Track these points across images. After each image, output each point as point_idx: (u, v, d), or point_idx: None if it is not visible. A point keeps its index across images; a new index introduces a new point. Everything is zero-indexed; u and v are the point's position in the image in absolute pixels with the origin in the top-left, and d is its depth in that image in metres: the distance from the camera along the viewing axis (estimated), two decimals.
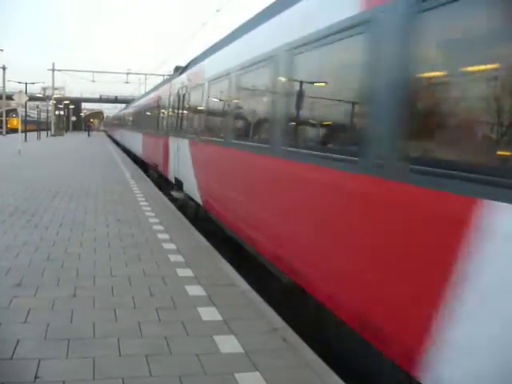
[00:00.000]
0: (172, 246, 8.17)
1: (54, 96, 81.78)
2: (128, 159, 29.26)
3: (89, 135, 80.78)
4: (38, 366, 4.05)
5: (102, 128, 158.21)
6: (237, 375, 4.04)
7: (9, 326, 4.82)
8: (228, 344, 4.61)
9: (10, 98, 50.93)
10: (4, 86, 65.82)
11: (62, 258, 7.24)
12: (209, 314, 5.34)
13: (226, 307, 5.55)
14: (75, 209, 11.53)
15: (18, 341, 4.47)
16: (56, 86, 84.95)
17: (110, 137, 72.24)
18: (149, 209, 11.80)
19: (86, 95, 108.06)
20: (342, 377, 4.20)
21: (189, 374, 4.03)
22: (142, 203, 12.58)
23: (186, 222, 10.64)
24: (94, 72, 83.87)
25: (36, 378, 3.88)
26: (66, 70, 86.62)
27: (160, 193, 15.22)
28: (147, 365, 4.15)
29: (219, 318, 5.24)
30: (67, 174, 19.29)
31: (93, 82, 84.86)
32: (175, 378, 3.94)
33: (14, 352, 4.27)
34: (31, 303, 5.44)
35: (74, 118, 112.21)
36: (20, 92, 33.62)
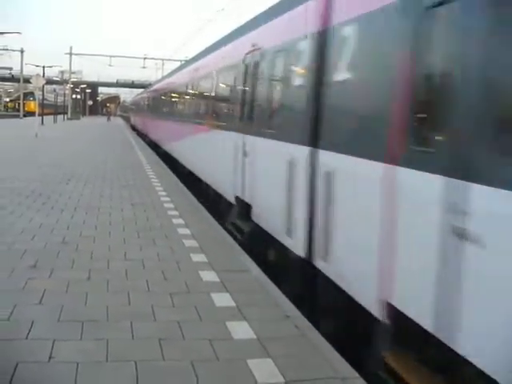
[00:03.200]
0: None
1: (71, 80, 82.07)
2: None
3: (109, 119, 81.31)
4: (53, 346, 4.09)
5: (118, 113, 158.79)
6: (249, 361, 4.05)
7: (24, 308, 4.86)
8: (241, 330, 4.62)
9: (27, 81, 51.25)
10: (22, 69, 66.23)
11: (76, 241, 7.29)
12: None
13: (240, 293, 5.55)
14: (91, 192, 11.60)
15: (32, 322, 4.51)
16: (73, 69, 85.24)
17: (135, 128, 49.66)
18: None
19: (102, 79, 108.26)
20: (351, 363, 4.19)
21: (201, 360, 4.04)
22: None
23: None
24: (111, 56, 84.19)
25: (50, 358, 3.92)
26: (83, 54, 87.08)
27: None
28: (160, 349, 4.17)
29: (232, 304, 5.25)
30: (83, 158, 19.38)
31: (110, 66, 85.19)
32: (187, 363, 3.96)
33: (28, 333, 4.31)
34: (46, 285, 5.49)
35: (90, 102, 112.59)
36: (37, 75, 33.86)
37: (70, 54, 78.81)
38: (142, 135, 38.27)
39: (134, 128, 51.67)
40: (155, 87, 32.26)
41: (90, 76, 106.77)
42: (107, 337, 4.32)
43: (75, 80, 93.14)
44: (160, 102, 25.93)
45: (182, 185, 13.78)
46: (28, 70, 66.94)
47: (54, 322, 4.59)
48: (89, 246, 7.11)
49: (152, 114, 29.74)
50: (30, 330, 4.35)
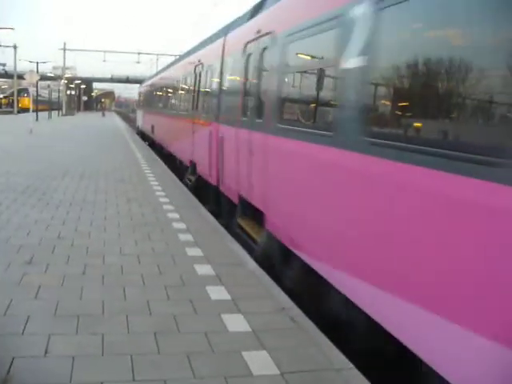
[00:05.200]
0: None
1: (66, 76, 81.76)
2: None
3: (103, 115, 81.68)
4: (48, 341, 4.10)
5: (113, 108, 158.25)
6: (244, 353, 4.07)
7: (20, 302, 4.87)
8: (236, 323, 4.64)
9: (21, 77, 51.04)
10: (15, 65, 65.94)
11: (71, 237, 7.30)
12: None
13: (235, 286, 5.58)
14: (86, 187, 11.59)
15: (28, 317, 4.52)
16: (67, 65, 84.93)
17: (143, 135, 32.48)
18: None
19: (97, 75, 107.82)
20: (346, 354, 4.22)
21: (196, 352, 4.06)
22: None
23: None
24: (105, 52, 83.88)
25: (46, 352, 3.94)
26: (77, 50, 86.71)
27: None
28: (155, 342, 4.19)
29: (228, 297, 5.27)
30: (78, 153, 19.34)
31: (104, 61, 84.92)
32: (183, 356, 3.98)
33: (24, 327, 4.33)
34: (41, 280, 5.50)
35: (85, 98, 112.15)
36: (31, 71, 33.69)
37: (64, 49, 78.54)
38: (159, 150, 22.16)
39: (143, 135, 32.26)
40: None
41: (85, 72, 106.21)
42: (103, 331, 4.34)
43: (69, 76, 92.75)
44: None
45: None
46: (22, 66, 66.65)
47: (50, 316, 4.60)
48: (84, 241, 7.13)
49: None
50: (25, 325, 4.37)
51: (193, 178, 13.11)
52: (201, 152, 11.70)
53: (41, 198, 10.08)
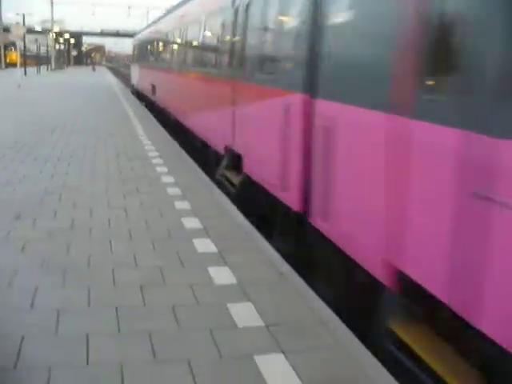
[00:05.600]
0: None
1: (54, 30, 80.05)
2: None
3: (93, 69, 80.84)
4: (35, 294, 4.11)
5: (103, 63, 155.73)
6: (229, 305, 4.10)
7: (6, 256, 4.87)
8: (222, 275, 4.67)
9: (7, 30, 49.87)
10: (0, 17, 64.33)
11: (59, 191, 7.26)
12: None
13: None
14: (75, 143, 11.48)
15: (15, 270, 4.52)
16: (55, 19, 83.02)
17: (139, 92, 27.82)
18: None
19: (86, 29, 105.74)
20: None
21: (182, 305, 4.09)
22: None
23: None
24: (94, 5, 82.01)
25: (32, 305, 3.95)
26: (64, 3, 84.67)
27: None
28: (141, 294, 4.21)
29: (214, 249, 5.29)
30: (68, 108, 19.10)
31: (93, 15, 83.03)
32: (168, 308, 4.01)
33: (10, 281, 4.33)
34: (29, 234, 5.49)
35: (74, 53, 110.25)
36: (17, 24, 32.93)
37: (52, 1, 76.56)
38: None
39: (139, 95, 26.88)
40: None
41: (74, 26, 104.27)
42: (89, 284, 4.35)
43: (58, 30, 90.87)
44: None
45: None
46: (7, 18, 65.11)
47: (37, 269, 4.61)
48: (72, 195, 7.10)
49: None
50: (12, 279, 4.37)
51: (236, 179, 7.80)
52: (257, 141, 6.83)
53: (29, 153, 9.99)
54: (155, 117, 17.55)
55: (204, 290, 4.37)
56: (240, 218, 6.44)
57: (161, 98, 18.02)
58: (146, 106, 22.44)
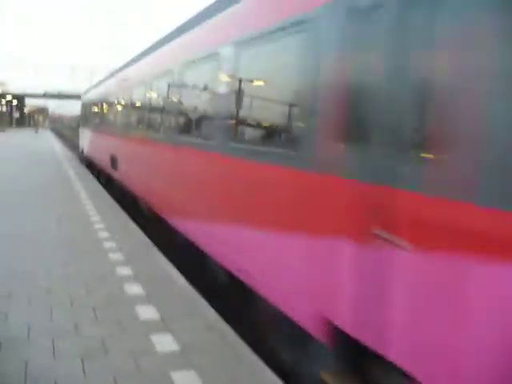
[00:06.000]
0: None
1: None
2: None
3: (36, 131, 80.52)
4: None
5: (47, 125, 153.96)
6: (172, 374, 4.07)
7: None
8: None
9: None
10: None
11: None
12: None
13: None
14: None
15: None
16: None
17: (90, 161, 21.62)
18: None
19: (29, 91, 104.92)
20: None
21: (124, 374, 4.03)
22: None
23: None
24: (37, 66, 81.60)
25: None
26: (6, 64, 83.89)
27: None
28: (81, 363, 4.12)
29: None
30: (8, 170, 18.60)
31: (37, 76, 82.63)
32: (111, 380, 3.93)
33: None
34: None
35: (17, 115, 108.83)
36: None
37: None
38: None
39: (90, 165, 21.64)
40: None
41: (17, 88, 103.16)
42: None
43: (0, 92, 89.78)
44: None
45: None
46: None
47: None
48: None
49: None
50: None
51: None
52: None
53: None
54: (117, 198, 13.57)
55: (147, 357, 4.32)
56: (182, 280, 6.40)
57: (127, 176, 12.33)
58: (99, 178, 18.35)
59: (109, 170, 15.27)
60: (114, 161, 14.20)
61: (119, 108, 14.32)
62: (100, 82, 20.78)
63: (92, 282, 6.24)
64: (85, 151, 23.62)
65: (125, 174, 12.66)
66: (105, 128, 16.76)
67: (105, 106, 17.49)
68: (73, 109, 50.02)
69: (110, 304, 5.57)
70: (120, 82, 14.74)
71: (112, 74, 17.30)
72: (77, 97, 50.80)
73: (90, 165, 21.76)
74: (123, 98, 13.67)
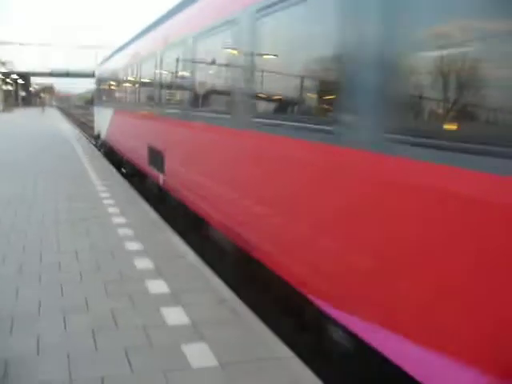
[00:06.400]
0: None
1: (1, 70, 78.91)
2: None
3: (43, 110, 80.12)
4: None
5: (54, 103, 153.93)
6: (183, 346, 4.04)
7: None
8: None
9: None
10: None
11: None
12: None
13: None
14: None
15: None
16: (4, 60, 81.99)
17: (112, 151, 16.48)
18: None
19: (35, 70, 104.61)
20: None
21: (134, 347, 4.01)
22: None
23: None
24: (40, 45, 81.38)
25: None
26: (13, 43, 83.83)
27: None
28: (93, 339, 4.10)
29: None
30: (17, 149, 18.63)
31: (43, 56, 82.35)
32: (121, 350, 3.92)
33: None
34: None
35: (23, 94, 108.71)
36: None
37: None
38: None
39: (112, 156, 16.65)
40: None
41: (22, 67, 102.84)
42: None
43: (5, 71, 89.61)
44: None
45: None
46: None
47: None
48: None
49: None
50: None
51: None
52: None
53: None
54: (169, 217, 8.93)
55: (158, 331, 4.30)
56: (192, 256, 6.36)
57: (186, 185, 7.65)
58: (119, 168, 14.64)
59: (144, 166, 10.67)
60: (154, 155, 9.56)
61: (168, 78, 9.04)
62: (126, 45, 14.96)
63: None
64: (103, 135, 19.03)
65: (181, 179, 7.94)
66: (137, 107, 11.93)
67: (139, 75, 11.96)
68: (79, 87, 49.64)
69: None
70: (164, 37, 9.33)
71: (148, 29, 11.74)
72: (83, 75, 50.34)
73: (110, 153, 17.32)
74: (173, 64, 8.48)
